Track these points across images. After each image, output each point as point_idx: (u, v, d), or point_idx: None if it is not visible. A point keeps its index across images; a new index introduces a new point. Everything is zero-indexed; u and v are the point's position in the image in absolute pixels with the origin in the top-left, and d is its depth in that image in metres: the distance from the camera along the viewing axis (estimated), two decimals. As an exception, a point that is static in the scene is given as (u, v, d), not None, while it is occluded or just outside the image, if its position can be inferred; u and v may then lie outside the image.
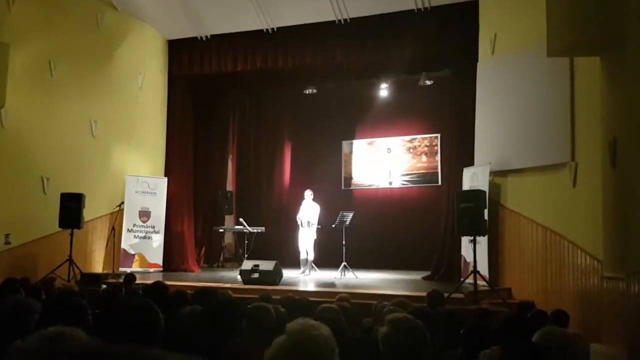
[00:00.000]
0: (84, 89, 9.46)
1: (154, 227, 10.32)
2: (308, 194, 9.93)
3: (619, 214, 5.03)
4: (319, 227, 9.81)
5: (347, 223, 9.58)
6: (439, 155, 12.10)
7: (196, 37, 10.70)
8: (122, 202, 9.88)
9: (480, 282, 7.08)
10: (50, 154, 8.91)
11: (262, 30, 10.21)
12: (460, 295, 6.87)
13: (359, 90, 12.16)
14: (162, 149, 10.99)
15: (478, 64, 8.55)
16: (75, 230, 8.43)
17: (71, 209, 8.40)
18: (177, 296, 3.98)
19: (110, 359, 0.30)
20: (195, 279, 9.16)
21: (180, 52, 10.98)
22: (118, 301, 3.92)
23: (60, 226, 8.41)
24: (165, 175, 10.81)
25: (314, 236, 9.69)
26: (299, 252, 9.88)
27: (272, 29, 10.18)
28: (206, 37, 10.66)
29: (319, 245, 9.95)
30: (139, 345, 0.33)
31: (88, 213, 8.77)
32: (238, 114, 12.87)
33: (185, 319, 2.83)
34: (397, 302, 4.14)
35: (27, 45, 8.74)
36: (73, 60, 9.30)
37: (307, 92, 11.86)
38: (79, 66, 9.40)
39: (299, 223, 9.83)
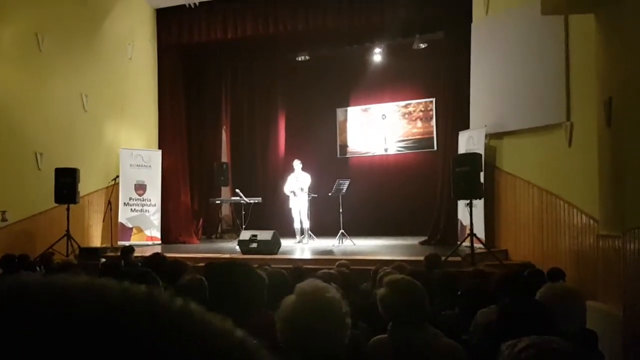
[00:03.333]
0: (73, 62, 9.30)
1: (150, 200, 10.31)
2: (297, 164, 9.87)
3: (614, 173, 5.04)
4: (315, 195, 9.81)
5: (344, 191, 9.59)
6: (434, 120, 12.05)
7: (184, 5, 10.47)
8: (117, 176, 9.84)
9: (477, 245, 7.13)
10: (43, 130, 8.81)
11: (252, -5, 10.01)
12: (457, 258, 6.93)
13: (352, 56, 12.02)
14: (154, 121, 10.90)
15: (472, 24, 8.43)
16: (71, 205, 8.40)
17: (66, 184, 8.36)
18: (175, 266, 3.99)
19: (125, 311, 0.28)
20: (194, 250, 9.20)
21: (169, 20, 10.78)
22: (118, 272, 3.93)
23: (56, 201, 8.38)
24: (159, 148, 10.75)
25: (306, 204, 9.69)
26: (293, 221, 9.90)
27: (262, -6, 9.98)
28: (194, 4, 10.43)
29: (316, 214, 9.97)
30: (156, 290, 0.31)
31: (83, 188, 8.74)
32: (230, 83, 12.72)
33: (186, 287, 2.84)
34: (396, 265, 4.17)
35: (13, 18, 8.54)
36: (61, 33, 9.11)
37: (300, 59, 11.71)
38: (67, 39, 9.22)
39: (289, 193, 9.79)
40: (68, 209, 8.33)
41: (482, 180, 7.27)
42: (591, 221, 5.93)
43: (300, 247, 9.25)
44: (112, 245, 9.19)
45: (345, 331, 1.60)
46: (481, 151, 7.79)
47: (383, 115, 12.75)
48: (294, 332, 1.55)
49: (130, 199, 10.13)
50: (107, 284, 0.30)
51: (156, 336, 0.28)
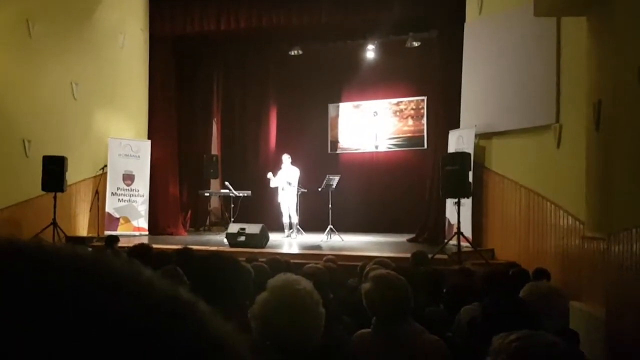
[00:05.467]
0: (63, 49, 9.21)
1: (138, 191, 10.24)
2: (286, 158, 9.85)
3: (601, 176, 5.08)
4: (305, 190, 9.80)
5: (334, 187, 9.59)
6: (425, 118, 12.08)
7: (178, -5, 10.40)
8: (105, 166, 9.77)
9: (464, 244, 7.17)
10: (32, 117, 8.73)
11: (246, -12, 9.95)
12: (444, 256, 6.97)
13: (345, 52, 12.00)
14: (144, 112, 10.82)
15: (465, 24, 8.46)
16: (58, 194, 8.33)
17: (54, 172, 8.28)
18: (161, 257, 3.97)
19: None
20: (182, 242, 9.13)
21: (162, 10, 10.67)
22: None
23: (43, 189, 8.30)
24: (148, 138, 10.68)
25: (295, 198, 9.67)
26: (281, 215, 9.89)
27: (257, -13, 9.93)
28: (188, -5, 10.36)
29: (305, 208, 9.96)
30: (104, 253, 0.32)
31: (71, 176, 8.66)
32: (222, 75, 12.66)
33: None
34: (378, 261, 4.17)
35: (4, 3, 8.44)
36: (52, 20, 9.01)
37: (293, 53, 11.67)
38: (58, 25, 9.12)
39: (278, 187, 9.75)
40: (55, 197, 8.25)
41: (470, 179, 7.31)
42: (577, 223, 5.98)
43: (289, 242, 9.26)
44: (98, 235, 9.14)
45: (319, 320, 1.60)
46: (470, 151, 7.82)
47: (374, 112, 12.76)
48: (267, 327, 1.56)
49: (118, 188, 10.07)
50: (56, 246, 0.30)
51: (97, 293, 0.28)
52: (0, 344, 0.25)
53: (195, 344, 0.30)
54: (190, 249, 4.50)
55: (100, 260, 0.31)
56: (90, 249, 0.31)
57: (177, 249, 4.59)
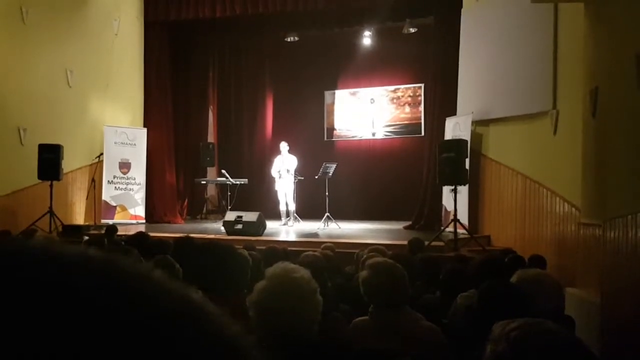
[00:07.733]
0: (58, 36, 9.13)
1: (135, 179, 10.22)
2: (284, 146, 9.77)
3: (597, 162, 5.10)
4: (301, 178, 9.78)
5: (330, 174, 9.58)
6: (422, 105, 12.06)
7: (173, -19, 10.29)
8: (101, 154, 9.74)
9: (460, 231, 7.19)
10: (26, 105, 8.67)
11: (242, -26, 9.85)
12: (440, 243, 6.98)
13: (342, 38, 11.93)
14: (140, 99, 10.76)
15: (462, 10, 8.41)
16: (54, 182, 8.31)
17: (49, 160, 8.25)
18: (159, 245, 3.98)
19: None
20: (179, 230, 9.14)
21: (156, -4, 10.58)
22: (101, 249, 3.91)
23: (39, 178, 8.28)
24: (144, 126, 10.63)
25: (292, 186, 9.64)
26: (278, 203, 9.88)
27: (252, -28, 9.82)
28: (183, -19, 10.25)
29: (302, 196, 9.96)
30: (115, 254, 0.32)
31: (67, 164, 8.64)
32: (218, 62, 12.58)
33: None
34: (373, 248, 4.18)
35: (-5, -11, 8.35)
36: (45, 6, 8.92)
37: (289, 40, 11.60)
38: (52, 12, 9.03)
39: (276, 175, 9.71)
40: (51, 186, 8.23)
41: (467, 166, 7.32)
42: (573, 209, 6.01)
43: (286, 230, 9.26)
44: (95, 223, 9.13)
45: (317, 308, 1.61)
46: (467, 137, 7.82)
47: (371, 99, 12.73)
48: (265, 315, 1.57)
49: (114, 177, 10.04)
50: (64, 246, 0.30)
51: (110, 296, 0.28)
52: (10, 353, 0.25)
53: (210, 347, 0.30)
54: (191, 238, 4.51)
55: (111, 262, 0.30)
56: (98, 251, 0.31)
57: (178, 237, 4.60)
